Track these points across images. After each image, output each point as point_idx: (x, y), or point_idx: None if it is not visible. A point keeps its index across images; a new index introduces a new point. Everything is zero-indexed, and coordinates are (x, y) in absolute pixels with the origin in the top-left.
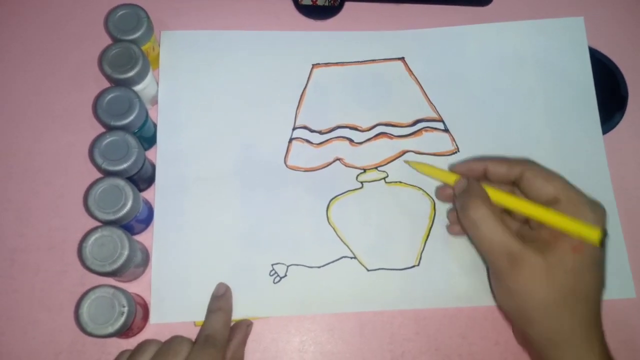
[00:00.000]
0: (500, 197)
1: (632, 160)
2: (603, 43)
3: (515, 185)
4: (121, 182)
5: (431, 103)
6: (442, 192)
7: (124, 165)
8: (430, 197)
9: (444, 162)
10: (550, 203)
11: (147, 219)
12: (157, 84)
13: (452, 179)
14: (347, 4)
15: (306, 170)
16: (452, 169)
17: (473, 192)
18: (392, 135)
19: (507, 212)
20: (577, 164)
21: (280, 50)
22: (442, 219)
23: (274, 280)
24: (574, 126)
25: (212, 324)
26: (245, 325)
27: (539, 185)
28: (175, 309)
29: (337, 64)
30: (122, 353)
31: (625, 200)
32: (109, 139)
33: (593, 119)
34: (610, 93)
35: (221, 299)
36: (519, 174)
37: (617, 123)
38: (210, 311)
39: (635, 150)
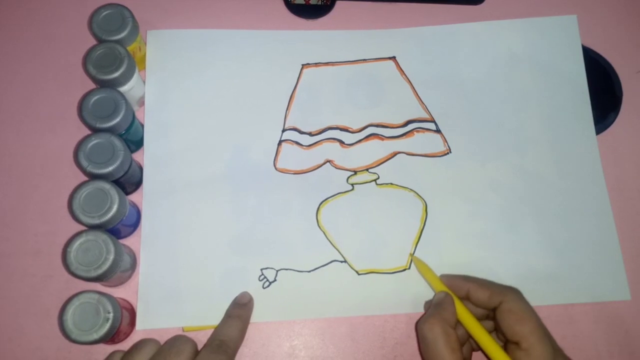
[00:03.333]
0: (466, 320)
1: (627, 161)
2: (598, 42)
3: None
4: (106, 185)
5: (422, 103)
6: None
7: (110, 168)
8: (422, 199)
9: (435, 164)
10: (515, 344)
11: (134, 223)
12: (144, 85)
13: (438, 288)
14: (338, 3)
15: (296, 173)
16: (442, 278)
17: (438, 310)
18: (383, 136)
19: None
20: (570, 164)
21: (270, 50)
22: (433, 221)
23: (263, 285)
24: (567, 126)
25: (229, 330)
26: None
27: (509, 323)
28: (163, 315)
29: (327, 63)
30: (113, 353)
31: (620, 201)
32: (94, 141)
33: (586, 118)
34: (604, 92)
35: (243, 307)
36: (497, 305)
37: (612, 123)
38: (230, 316)
39: (630, 150)
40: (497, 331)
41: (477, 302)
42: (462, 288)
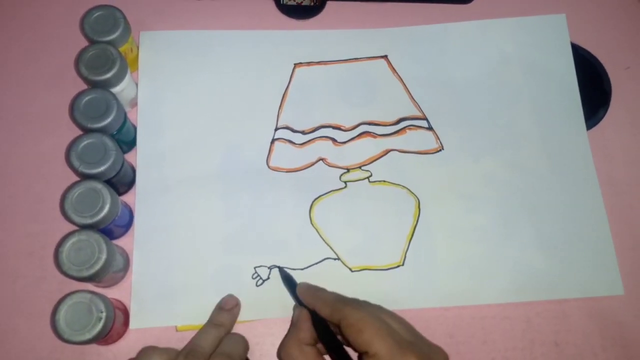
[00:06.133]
0: (323, 335)
1: (617, 155)
2: (586, 39)
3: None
4: (98, 185)
5: (415, 101)
6: None
7: (102, 168)
8: (415, 196)
9: (428, 161)
10: (365, 354)
11: (127, 224)
12: (136, 86)
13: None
14: (328, 3)
15: (289, 171)
16: (299, 290)
17: (294, 331)
18: (375, 134)
19: None
20: (562, 160)
21: (262, 50)
22: (426, 218)
23: (256, 283)
24: (558, 122)
25: (202, 338)
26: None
27: (352, 337)
28: (157, 314)
29: (319, 63)
30: None
31: (612, 196)
32: (85, 141)
33: (577, 114)
34: (594, 89)
35: (227, 314)
36: (337, 322)
37: (602, 118)
38: (210, 323)
39: (620, 144)
40: None
41: (326, 318)
42: (310, 304)
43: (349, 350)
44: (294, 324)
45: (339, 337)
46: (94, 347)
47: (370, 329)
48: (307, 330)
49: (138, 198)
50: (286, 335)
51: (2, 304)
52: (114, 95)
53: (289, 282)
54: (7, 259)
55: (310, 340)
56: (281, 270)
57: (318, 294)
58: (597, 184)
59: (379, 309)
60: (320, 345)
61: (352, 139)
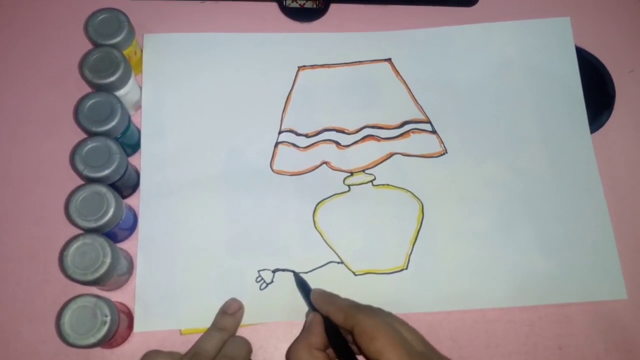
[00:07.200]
0: (335, 341)
1: (621, 159)
2: (590, 42)
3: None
4: (103, 189)
5: (418, 104)
6: None
7: (106, 172)
8: (419, 199)
9: (432, 164)
10: None
11: (131, 227)
12: (140, 89)
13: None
14: (332, 6)
15: (292, 175)
16: (313, 295)
17: (305, 334)
18: (379, 137)
19: None
20: (566, 163)
21: (266, 53)
22: (430, 222)
23: (260, 286)
24: (562, 126)
25: (206, 342)
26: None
27: (364, 345)
28: (161, 317)
29: (323, 65)
30: None
31: (615, 199)
32: (90, 145)
33: (581, 118)
34: (597, 92)
35: (230, 318)
36: (352, 328)
37: (605, 122)
38: (214, 327)
39: (623, 148)
40: None
41: (339, 325)
42: (323, 310)
43: (360, 358)
44: (306, 329)
45: (350, 345)
46: (98, 350)
47: (383, 337)
48: (318, 335)
49: (142, 201)
50: (297, 339)
51: (6, 307)
52: (118, 98)
53: (304, 287)
54: (10, 262)
55: (321, 345)
56: (296, 275)
57: (332, 299)
58: (600, 188)
59: (392, 317)
60: (330, 351)
61: (356, 142)
